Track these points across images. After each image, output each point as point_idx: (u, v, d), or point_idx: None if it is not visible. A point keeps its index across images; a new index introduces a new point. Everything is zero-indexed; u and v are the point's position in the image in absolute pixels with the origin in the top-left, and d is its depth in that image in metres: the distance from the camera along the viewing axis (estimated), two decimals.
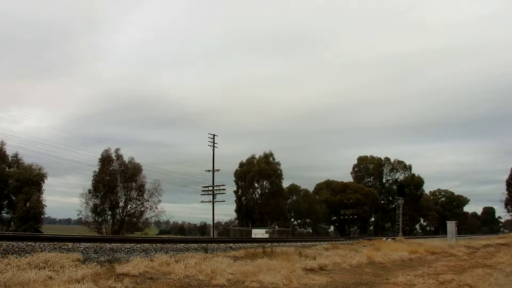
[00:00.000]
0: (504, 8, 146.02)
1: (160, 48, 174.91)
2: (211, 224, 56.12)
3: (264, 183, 68.72)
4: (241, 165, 69.81)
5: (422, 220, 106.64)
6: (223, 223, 76.14)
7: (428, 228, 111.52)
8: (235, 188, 68.95)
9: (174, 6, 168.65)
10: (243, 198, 69.03)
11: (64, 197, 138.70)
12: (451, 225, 38.76)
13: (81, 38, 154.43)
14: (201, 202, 53.37)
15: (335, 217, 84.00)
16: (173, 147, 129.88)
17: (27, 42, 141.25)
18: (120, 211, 51.74)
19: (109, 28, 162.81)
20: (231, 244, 18.05)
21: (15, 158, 50.40)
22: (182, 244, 15.84)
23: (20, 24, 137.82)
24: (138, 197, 52.63)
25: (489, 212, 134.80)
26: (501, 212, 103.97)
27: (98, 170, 51.12)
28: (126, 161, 52.90)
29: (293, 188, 78.97)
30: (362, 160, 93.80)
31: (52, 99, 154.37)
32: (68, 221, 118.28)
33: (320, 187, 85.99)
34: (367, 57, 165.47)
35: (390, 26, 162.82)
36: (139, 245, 13.80)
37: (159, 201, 53.53)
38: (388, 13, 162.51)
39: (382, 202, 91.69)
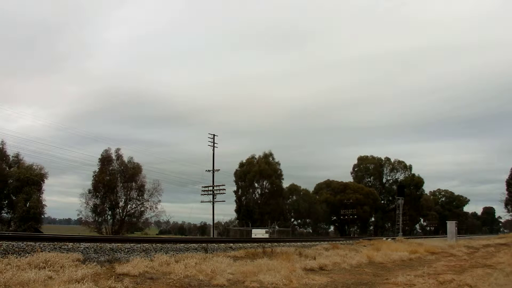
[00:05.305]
0: (505, 6, 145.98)
1: (157, 45, 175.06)
2: (211, 224, 56.12)
3: (264, 183, 68.76)
4: (241, 165, 69.86)
5: (422, 220, 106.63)
6: (223, 223, 76.17)
7: (428, 228, 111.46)
8: (235, 188, 69.09)
9: (173, 3, 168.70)
10: (243, 198, 69.04)
11: (62, 197, 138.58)
12: (451, 225, 38.78)
13: (73, 36, 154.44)
14: (201, 202, 53.46)
15: (335, 217, 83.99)
16: (171, 146, 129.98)
17: (18, 40, 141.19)
18: (120, 211, 51.71)
19: (101, 25, 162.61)
20: (231, 244, 18.02)
21: (16, 158, 50.46)
22: (182, 244, 15.81)
23: (10, 22, 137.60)
24: (138, 197, 52.62)
25: (489, 212, 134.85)
26: (501, 212, 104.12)
27: (98, 170, 51.11)
28: (126, 161, 52.93)
29: (293, 188, 78.97)
30: (362, 160, 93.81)
31: (45, 97, 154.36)
32: (68, 221, 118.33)
33: (320, 187, 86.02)
34: (366, 55, 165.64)
35: (390, 23, 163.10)
36: (139, 245, 13.78)
37: (159, 201, 53.56)
38: (387, 10, 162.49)
39: (382, 202, 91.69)
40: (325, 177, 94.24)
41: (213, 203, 52.10)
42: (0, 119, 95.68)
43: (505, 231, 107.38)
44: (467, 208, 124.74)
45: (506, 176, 75.70)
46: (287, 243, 22.23)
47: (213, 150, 52.41)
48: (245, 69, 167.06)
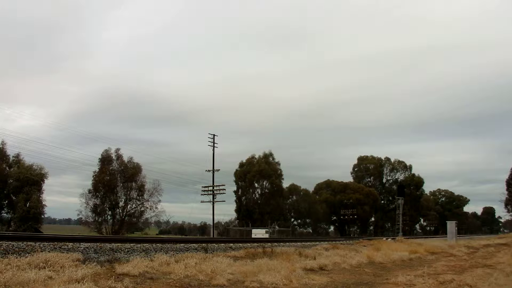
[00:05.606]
0: (505, 6, 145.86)
1: (158, 45, 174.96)
2: (211, 224, 56.17)
3: (264, 183, 68.79)
4: (241, 165, 69.90)
5: (422, 220, 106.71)
6: (223, 223, 76.21)
7: (428, 228, 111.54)
8: (235, 188, 69.16)
9: (173, 3, 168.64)
10: (243, 198, 69.08)
11: (62, 197, 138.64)
12: (451, 225, 38.76)
13: (73, 36, 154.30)
14: (201, 202, 53.53)
15: (335, 217, 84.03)
16: (171, 146, 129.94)
17: (18, 40, 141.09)
18: (120, 211, 51.74)
19: (100, 25, 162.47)
20: (231, 244, 18.02)
21: (16, 158, 50.50)
22: (182, 244, 15.81)
23: (10, 22, 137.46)
24: (138, 197, 52.65)
25: (489, 212, 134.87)
26: (501, 212, 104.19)
27: (98, 170, 51.14)
28: (126, 161, 52.93)
29: (293, 188, 79.00)
30: (362, 160, 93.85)
31: (45, 97, 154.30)
32: (68, 221, 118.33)
33: (320, 187, 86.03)
34: (367, 54, 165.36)
35: (390, 23, 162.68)
36: (139, 245, 13.78)
37: (159, 201, 53.62)
38: (387, 10, 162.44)
39: (382, 202, 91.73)
40: (325, 177, 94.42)
41: (213, 203, 52.14)
42: (0, 119, 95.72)
43: (505, 231, 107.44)
44: (467, 208, 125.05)
45: (506, 176, 75.84)
46: (287, 243, 22.24)
47: (213, 150, 52.53)
48: (245, 69, 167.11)
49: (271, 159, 69.27)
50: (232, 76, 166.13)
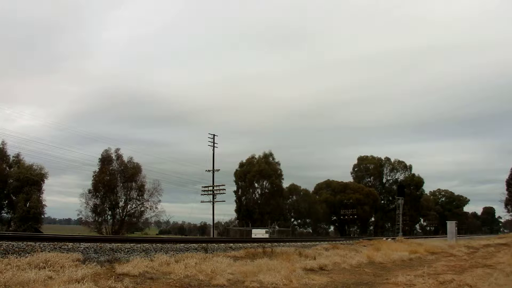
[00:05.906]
0: (504, 6, 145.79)
1: (158, 45, 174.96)
2: (211, 224, 56.16)
3: (264, 183, 68.79)
4: (241, 165, 69.90)
5: (422, 220, 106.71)
6: (223, 223, 76.20)
7: (428, 228, 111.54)
8: (235, 188, 69.17)
9: (173, 3, 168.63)
10: (243, 198, 69.08)
11: (62, 197, 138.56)
12: (451, 225, 38.77)
13: (73, 36, 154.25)
14: (201, 202, 53.52)
15: (335, 217, 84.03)
16: (171, 146, 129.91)
17: (18, 40, 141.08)
18: (120, 211, 51.73)
19: (100, 25, 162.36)
20: (231, 244, 18.02)
21: (16, 158, 50.51)
22: (182, 244, 15.82)
23: (10, 22, 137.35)
24: (138, 197, 52.64)
25: (489, 212, 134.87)
26: (501, 212, 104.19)
27: (98, 170, 51.13)
28: (126, 161, 52.93)
29: (293, 188, 79.00)
30: (362, 160, 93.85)
31: (45, 97, 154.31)
32: (68, 221, 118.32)
33: (320, 187, 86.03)
34: (367, 54, 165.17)
35: (390, 23, 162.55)
36: (139, 245, 13.78)
37: (159, 201, 53.60)
38: (387, 9, 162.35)
39: (382, 202, 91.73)
40: (325, 177, 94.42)
41: (213, 203, 52.14)
42: (0, 119, 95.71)
43: (505, 231, 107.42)
44: (467, 208, 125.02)
45: (506, 176, 75.81)
46: (287, 243, 22.23)
47: (213, 150, 52.52)
48: (245, 69, 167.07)
49: (271, 159, 69.32)
50: (232, 76, 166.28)
